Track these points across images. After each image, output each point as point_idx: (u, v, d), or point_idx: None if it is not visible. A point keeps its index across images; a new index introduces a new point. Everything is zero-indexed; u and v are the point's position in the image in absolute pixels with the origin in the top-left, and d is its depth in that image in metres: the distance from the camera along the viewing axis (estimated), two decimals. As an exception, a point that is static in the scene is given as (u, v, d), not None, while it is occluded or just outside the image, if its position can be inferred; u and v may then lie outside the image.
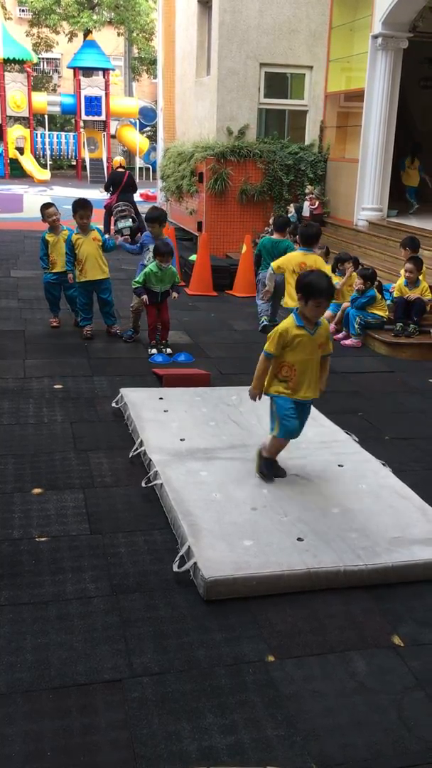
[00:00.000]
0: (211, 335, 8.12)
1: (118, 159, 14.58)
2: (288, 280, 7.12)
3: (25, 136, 27.83)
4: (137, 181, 15.34)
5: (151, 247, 7.16)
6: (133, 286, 7.14)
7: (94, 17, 31.34)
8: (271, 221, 12.10)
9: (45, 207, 7.95)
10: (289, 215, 11.70)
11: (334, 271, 8.70)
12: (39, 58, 32.45)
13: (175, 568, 3.53)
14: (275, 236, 8.37)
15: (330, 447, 4.98)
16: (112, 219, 13.43)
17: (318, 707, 2.77)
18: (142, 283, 7.01)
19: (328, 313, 8.74)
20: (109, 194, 13.89)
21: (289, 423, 4.19)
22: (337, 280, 8.63)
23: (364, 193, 11.73)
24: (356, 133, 12.06)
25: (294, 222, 11.78)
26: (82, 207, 7.46)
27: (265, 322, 8.32)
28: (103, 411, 5.64)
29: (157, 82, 19.27)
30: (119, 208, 13.17)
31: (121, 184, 13.35)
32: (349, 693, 2.85)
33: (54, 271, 7.81)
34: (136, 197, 14.28)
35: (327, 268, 7.63)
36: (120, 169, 13.87)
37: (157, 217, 7.33)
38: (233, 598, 3.37)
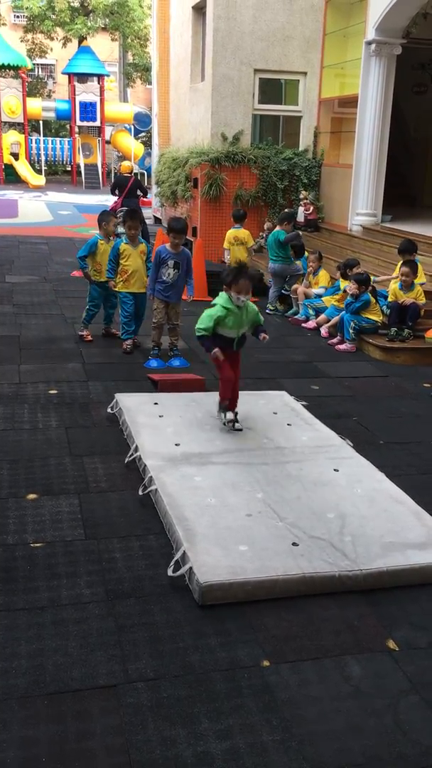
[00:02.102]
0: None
1: (127, 164, 14.60)
2: (231, 250, 9.83)
3: (20, 142, 27.86)
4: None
5: (171, 262, 6.84)
6: (198, 334, 5.09)
7: (89, 23, 31.39)
8: (266, 226, 12.20)
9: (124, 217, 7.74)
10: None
11: (344, 276, 8.67)
12: (34, 64, 32.45)
13: (170, 573, 3.53)
14: (276, 228, 9.78)
15: (325, 451, 4.98)
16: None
17: (313, 712, 2.77)
18: (210, 329, 5.02)
19: (322, 317, 8.78)
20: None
21: None
22: (347, 284, 8.54)
23: (359, 199, 11.76)
24: (350, 138, 12.10)
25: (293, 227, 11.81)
26: (130, 217, 7.34)
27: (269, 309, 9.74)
28: (98, 416, 5.64)
29: (152, 88, 19.32)
30: (123, 213, 13.15)
31: (125, 188, 13.33)
32: (344, 697, 2.86)
33: (101, 280, 7.53)
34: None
35: (251, 240, 10.40)
36: (126, 174, 13.88)
37: (183, 228, 6.86)
38: (228, 602, 3.37)
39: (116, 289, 7.37)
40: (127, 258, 7.24)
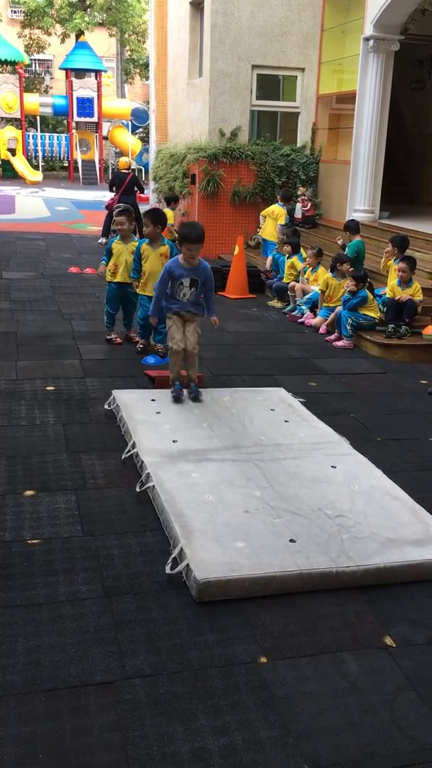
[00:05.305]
0: (204, 336, 8.07)
1: (125, 160, 14.57)
2: (266, 221, 11.32)
3: (17, 138, 27.78)
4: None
5: (186, 281, 5.53)
6: None
7: (86, 18, 31.31)
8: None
9: (117, 213, 7.61)
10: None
11: (332, 271, 8.73)
12: (31, 60, 32.38)
13: (167, 570, 3.53)
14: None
15: (322, 448, 4.98)
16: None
17: (310, 708, 2.77)
18: None
19: (319, 318, 8.78)
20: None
21: None
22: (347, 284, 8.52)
23: (356, 195, 11.75)
24: (348, 134, 12.09)
25: (286, 224, 11.83)
26: (145, 216, 7.04)
27: None
28: (96, 412, 5.63)
29: (150, 84, 19.29)
30: (120, 210, 13.12)
31: (123, 185, 13.29)
32: (341, 694, 2.86)
33: (115, 280, 7.37)
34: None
35: (283, 219, 11.27)
36: (125, 171, 13.83)
37: (200, 236, 5.49)
38: (226, 599, 3.37)
39: (137, 291, 7.11)
40: (146, 260, 6.90)
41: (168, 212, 12.01)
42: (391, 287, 8.19)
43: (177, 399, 5.61)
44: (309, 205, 12.65)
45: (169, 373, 5.88)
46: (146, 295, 6.95)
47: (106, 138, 30.32)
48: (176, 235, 5.92)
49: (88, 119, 28.86)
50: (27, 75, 31.23)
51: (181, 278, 5.56)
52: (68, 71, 28.40)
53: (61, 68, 29.69)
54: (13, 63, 27.61)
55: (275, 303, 10.04)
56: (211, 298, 5.75)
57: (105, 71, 29.67)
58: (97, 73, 28.58)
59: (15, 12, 35.72)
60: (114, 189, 13.49)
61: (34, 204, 20.90)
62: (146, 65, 30.60)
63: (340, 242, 9.67)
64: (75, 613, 3.23)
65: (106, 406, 5.68)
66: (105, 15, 32.52)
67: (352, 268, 8.51)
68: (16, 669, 2.87)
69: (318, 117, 13.29)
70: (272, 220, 11.27)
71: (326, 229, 12.35)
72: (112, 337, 7.55)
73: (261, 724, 2.68)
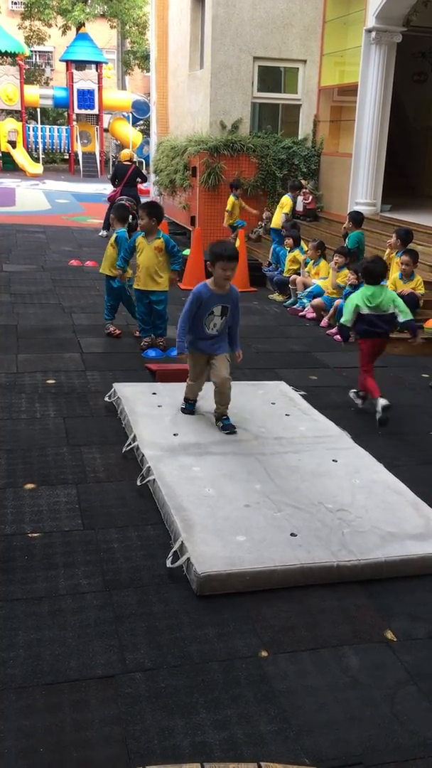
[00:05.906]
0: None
1: (126, 152, 14.53)
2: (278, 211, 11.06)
3: (18, 130, 27.68)
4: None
5: (218, 309, 4.93)
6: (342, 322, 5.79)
7: (87, 10, 31.15)
8: (264, 215, 12.17)
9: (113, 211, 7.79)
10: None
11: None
12: (31, 51, 32.23)
13: (168, 564, 3.53)
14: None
15: (323, 442, 4.98)
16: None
17: (311, 702, 2.77)
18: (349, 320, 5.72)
19: (318, 300, 8.76)
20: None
21: None
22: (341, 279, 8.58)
23: (358, 188, 11.70)
24: (350, 127, 12.04)
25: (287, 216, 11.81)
26: (141, 208, 7.01)
27: None
28: (96, 406, 5.62)
29: (150, 76, 19.20)
30: (121, 203, 13.11)
31: (124, 177, 13.23)
32: (342, 688, 2.86)
33: (103, 272, 7.60)
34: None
35: (288, 207, 10.99)
36: (127, 162, 13.77)
37: (234, 254, 4.93)
38: (226, 593, 3.37)
39: (134, 285, 7.11)
40: (140, 252, 6.89)
41: (231, 200, 11.75)
42: (393, 280, 8.15)
43: (188, 410, 5.32)
44: (310, 197, 12.60)
45: (169, 366, 5.87)
46: (138, 289, 7.03)
47: (106, 130, 30.21)
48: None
49: (88, 111, 28.75)
50: (27, 67, 31.08)
51: (211, 306, 4.91)
52: (69, 63, 28.28)
53: (61, 60, 29.55)
54: (14, 55, 27.49)
55: (276, 296, 10.02)
56: (238, 329, 5.15)
57: (106, 63, 29.55)
58: (98, 64, 28.47)
59: (15, 3, 35.56)
60: (116, 182, 13.44)
61: (34, 196, 20.83)
62: (147, 57, 30.41)
63: (343, 229, 9.68)
64: (75, 607, 3.23)
65: (106, 399, 5.68)
66: (105, 7, 32.34)
67: (345, 260, 8.50)
68: (16, 662, 2.87)
69: (319, 109, 13.23)
70: (280, 209, 11.25)
71: (327, 222, 12.31)
72: (111, 330, 7.56)
73: (261, 718, 2.68)
